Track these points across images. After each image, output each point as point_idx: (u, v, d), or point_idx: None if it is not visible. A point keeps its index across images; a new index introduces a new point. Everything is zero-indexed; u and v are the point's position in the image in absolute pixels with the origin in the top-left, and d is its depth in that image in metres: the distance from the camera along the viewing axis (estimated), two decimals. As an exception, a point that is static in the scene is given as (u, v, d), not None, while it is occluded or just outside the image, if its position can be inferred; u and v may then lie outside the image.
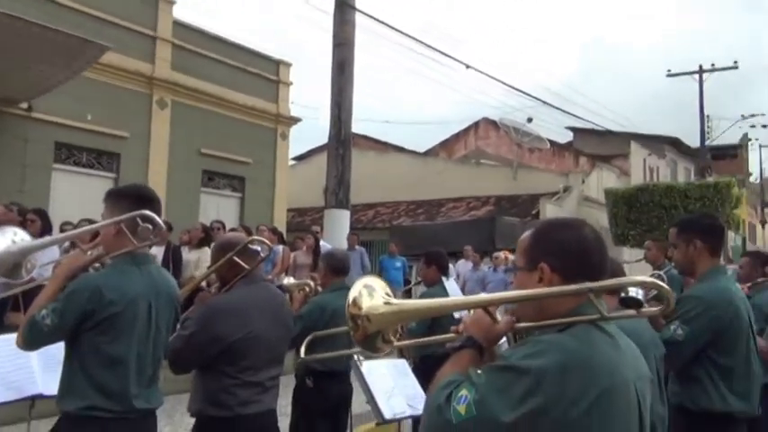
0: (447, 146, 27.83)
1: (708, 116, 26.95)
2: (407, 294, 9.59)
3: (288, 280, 5.24)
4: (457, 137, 27.89)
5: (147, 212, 2.51)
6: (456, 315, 2.97)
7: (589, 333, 1.50)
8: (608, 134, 25.38)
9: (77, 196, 10.72)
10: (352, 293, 1.75)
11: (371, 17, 12.27)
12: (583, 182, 21.66)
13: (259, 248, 3.18)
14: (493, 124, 25.50)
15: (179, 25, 13.10)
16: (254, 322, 2.93)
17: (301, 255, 10.04)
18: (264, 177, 14.75)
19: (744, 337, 3.07)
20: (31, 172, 10.63)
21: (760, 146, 38.00)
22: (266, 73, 14.95)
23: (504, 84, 26.22)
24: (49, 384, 3.06)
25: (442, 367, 1.60)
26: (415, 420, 4.15)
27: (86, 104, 11.22)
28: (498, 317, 1.65)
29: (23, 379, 3.22)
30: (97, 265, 2.65)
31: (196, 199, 13.26)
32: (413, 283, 10.03)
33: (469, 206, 20.70)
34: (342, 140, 11.10)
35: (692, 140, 28.44)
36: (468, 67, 14.58)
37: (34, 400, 3.29)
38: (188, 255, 8.65)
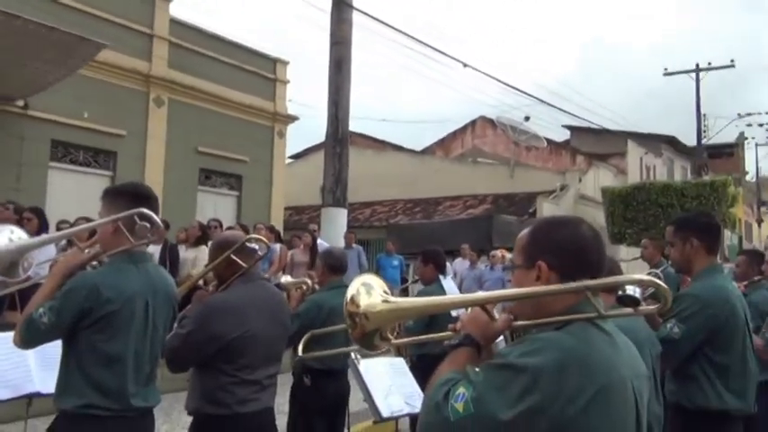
0: (444, 144, 27.83)
1: (704, 115, 27.04)
2: (404, 293, 9.61)
3: (285, 278, 5.23)
4: (454, 135, 27.89)
5: (145, 210, 2.51)
6: (453, 313, 2.97)
7: (586, 331, 1.51)
8: (605, 133, 25.40)
9: (74, 194, 10.69)
10: (351, 291, 1.75)
11: (369, 16, 12.29)
12: (580, 180, 21.69)
13: (256, 247, 3.18)
14: (490, 123, 25.50)
15: (176, 23, 13.06)
16: (252, 320, 2.93)
17: (298, 253, 10.03)
18: (261, 176, 14.74)
19: (740, 335, 3.08)
20: (27, 170, 10.60)
21: (756, 144, 38.08)
22: (263, 71, 14.93)
23: (502, 82, 26.28)
24: (47, 382, 3.06)
25: (440, 365, 1.60)
26: (413, 418, 4.15)
27: (83, 102, 11.19)
28: (496, 315, 1.66)
29: (20, 377, 3.22)
30: (94, 263, 2.64)
31: (193, 197, 13.24)
32: (410, 281, 10.05)
33: (466, 204, 20.72)
34: (339, 139, 11.10)
35: (689, 139, 28.52)
36: (465, 65, 14.59)
37: (31, 398, 3.29)
38: (185, 253, 8.64)
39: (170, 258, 8.14)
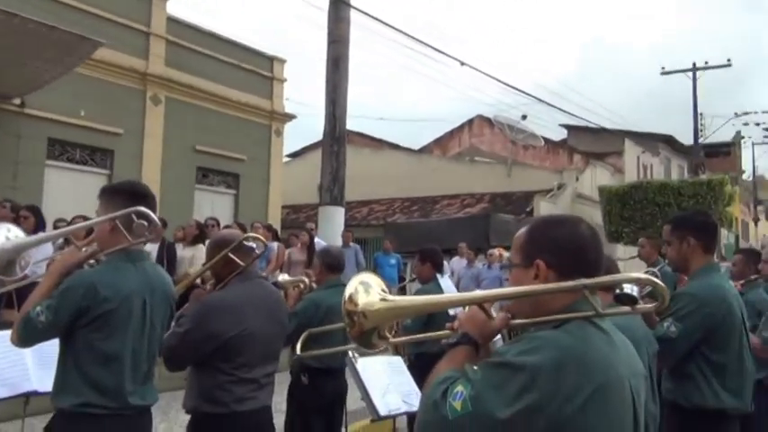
0: (441, 143, 27.85)
1: (701, 114, 27.04)
2: (402, 291, 9.60)
3: (282, 277, 5.22)
4: (451, 134, 27.91)
5: (142, 209, 2.50)
6: (451, 312, 2.97)
7: (584, 329, 1.51)
8: (602, 132, 25.43)
9: (71, 193, 10.68)
10: (349, 290, 1.75)
11: (366, 14, 12.28)
12: (577, 179, 21.71)
13: (254, 245, 3.18)
14: (487, 121, 25.52)
15: (173, 21, 13.05)
16: (250, 319, 2.93)
17: (296, 252, 10.04)
18: (259, 174, 14.73)
19: (736, 333, 3.08)
20: (23, 168, 10.58)
21: (753, 143, 38.20)
22: (260, 69, 14.92)
23: (499, 81, 26.32)
24: (44, 381, 3.06)
25: (438, 364, 1.60)
26: (410, 417, 4.16)
27: (80, 101, 11.17)
28: (493, 313, 1.66)
29: (18, 376, 3.21)
30: (92, 261, 2.64)
31: (190, 196, 13.23)
32: (407, 280, 10.04)
33: (464, 203, 20.73)
34: (336, 137, 11.09)
35: (686, 138, 28.54)
36: (462, 64, 14.59)
37: (29, 396, 3.29)
38: (182, 252, 8.63)
39: (167, 257, 8.13)
